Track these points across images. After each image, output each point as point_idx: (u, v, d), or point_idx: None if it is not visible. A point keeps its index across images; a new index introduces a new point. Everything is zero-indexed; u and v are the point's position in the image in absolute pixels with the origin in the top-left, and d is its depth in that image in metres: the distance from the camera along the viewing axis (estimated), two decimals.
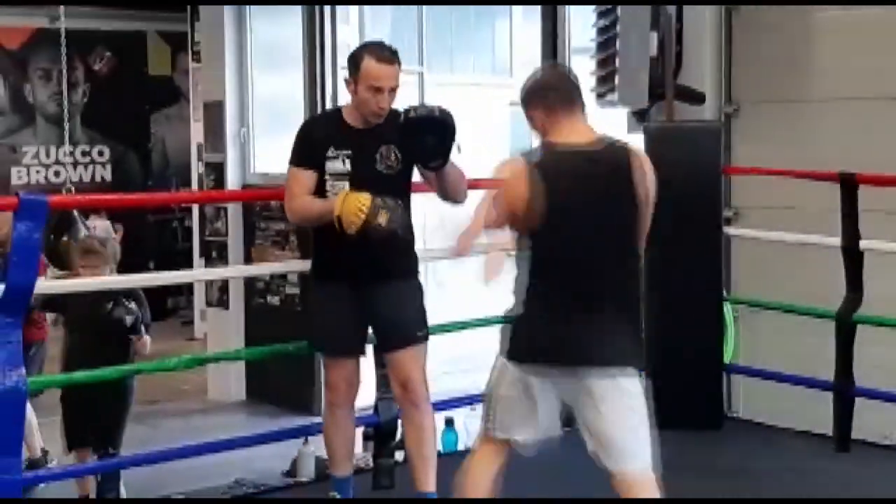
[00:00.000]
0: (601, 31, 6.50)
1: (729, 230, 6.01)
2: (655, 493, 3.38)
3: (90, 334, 5.75)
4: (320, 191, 4.08)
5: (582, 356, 3.32)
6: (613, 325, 3.34)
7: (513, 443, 3.51)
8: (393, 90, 4.03)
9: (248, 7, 9.56)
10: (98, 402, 5.67)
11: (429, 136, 3.89)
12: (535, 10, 7.86)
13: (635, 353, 3.39)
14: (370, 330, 4.30)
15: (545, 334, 3.37)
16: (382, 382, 4.76)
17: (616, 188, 3.36)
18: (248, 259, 9.45)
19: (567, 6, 7.48)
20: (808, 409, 5.39)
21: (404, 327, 4.09)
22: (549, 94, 3.45)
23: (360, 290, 4.11)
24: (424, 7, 10.54)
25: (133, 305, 5.74)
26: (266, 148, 9.63)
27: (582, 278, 3.35)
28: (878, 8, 5.83)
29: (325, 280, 4.21)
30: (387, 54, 4.04)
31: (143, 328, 5.82)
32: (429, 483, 4.17)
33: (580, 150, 3.39)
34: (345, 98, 9.20)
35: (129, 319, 5.70)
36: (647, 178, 3.38)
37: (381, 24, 10.59)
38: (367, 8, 10.13)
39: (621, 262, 3.38)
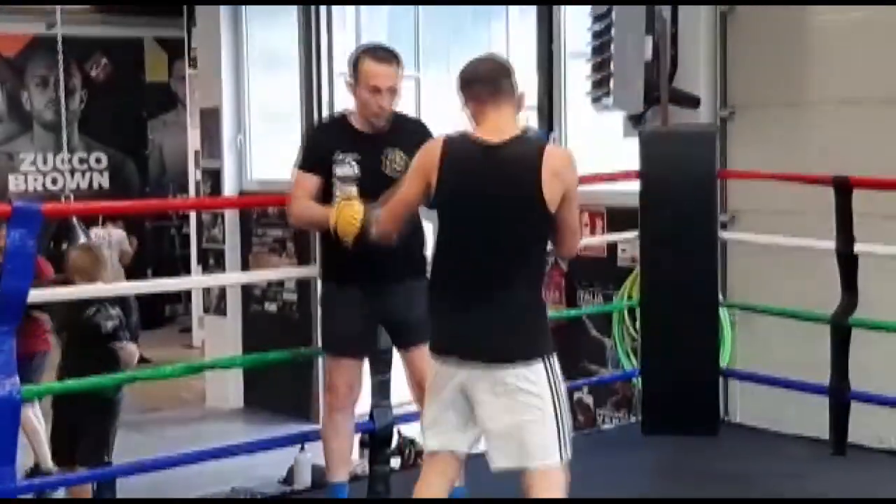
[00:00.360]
0: (596, 35, 6.50)
1: (725, 234, 6.00)
2: (557, 493, 3.31)
3: (73, 340, 5.74)
4: (327, 194, 4.08)
5: (470, 351, 3.32)
6: (500, 321, 3.32)
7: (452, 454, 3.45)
8: (392, 90, 4.02)
9: (244, 13, 9.57)
10: (81, 416, 5.62)
11: None
12: (532, 14, 7.87)
13: (521, 348, 3.32)
14: (385, 332, 4.33)
15: (438, 327, 3.43)
16: (378, 390, 4.75)
17: (513, 187, 3.30)
18: (245, 266, 9.45)
19: (563, 10, 7.49)
20: (805, 413, 5.38)
21: (416, 325, 3.97)
22: (475, 86, 3.43)
23: (372, 290, 4.11)
24: (421, 10, 10.54)
25: (115, 311, 5.66)
26: (263, 154, 9.63)
27: (469, 272, 3.35)
28: (874, 10, 5.82)
29: (334, 281, 4.22)
30: (383, 54, 4.05)
31: (125, 335, 5.73)
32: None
33: (486, 145, 3.35)
34: (342, 104, 9.22)
35: (108, 325, 5.63)
36: (559, 178, 3.29)
37: (377, 29, 10.58)
38: (363, 12, 10.12)
39: (511, 259, 3.33)
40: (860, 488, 4.58)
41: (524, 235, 3.33)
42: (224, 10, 9.54)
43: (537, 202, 3.27)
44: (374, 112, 4.03)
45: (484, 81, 3.41)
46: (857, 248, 4.92)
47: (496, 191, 3.31)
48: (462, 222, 3.36)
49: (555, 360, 3.37)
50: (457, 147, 3.38)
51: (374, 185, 3.96)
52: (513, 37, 12.81)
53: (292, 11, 9.04)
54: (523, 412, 3.27)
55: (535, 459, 3.29)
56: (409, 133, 4.03)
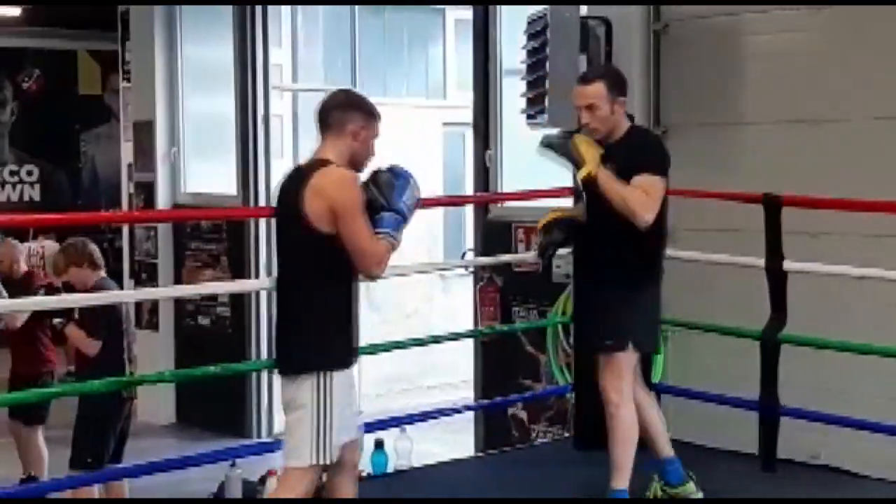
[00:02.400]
0: (531, 52, 6.53)
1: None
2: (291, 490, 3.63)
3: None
4: None
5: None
6: (288, 335, 3.69)
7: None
8: (586, 107, 4.29)
9: (179, 27, 9.52)
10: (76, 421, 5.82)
11: None
12: (468, 33, 7.91)
13: (301, 360, 3.61)
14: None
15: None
16: None
17: (290, 206, 3.61)
18: (178, 280, 9.36)
19: (498, 28, 7.53)
20: (736, 428, 5.43)
21: (594, 334, 4.35)
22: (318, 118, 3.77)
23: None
24: (357, 30, 10.55)
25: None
26: (197, 168, 9.57)
27: (279, 288, 3.73)
28: (807, 33, 5.93)
29: (651, 283, 4.41)
30: (583, 75, 4.60)
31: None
32: (616, 481, 4.31)
33: (294, 168, 3.79)
34: (277, 118, 9.16)
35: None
36: (322, 195, 3.52)
37: (313, 47, 10.58)
38: (299, 30, 10.11)
39: (294, 277, 3.66)
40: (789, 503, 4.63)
41: (301, 250, 3.63)
42: (158, 24, 9.47)
43: (303, 220, 3.54)
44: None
45: (319, 113, 3.77)
46: (787, 265, 4.99)
47: (283, 209, 3.72)
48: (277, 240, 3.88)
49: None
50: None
51: None
52: (449, 57, 12.92)
53: (228, 25, 9.00)
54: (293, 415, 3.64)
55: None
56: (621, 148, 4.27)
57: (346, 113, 3.68)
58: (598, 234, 4.34)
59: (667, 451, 4.55)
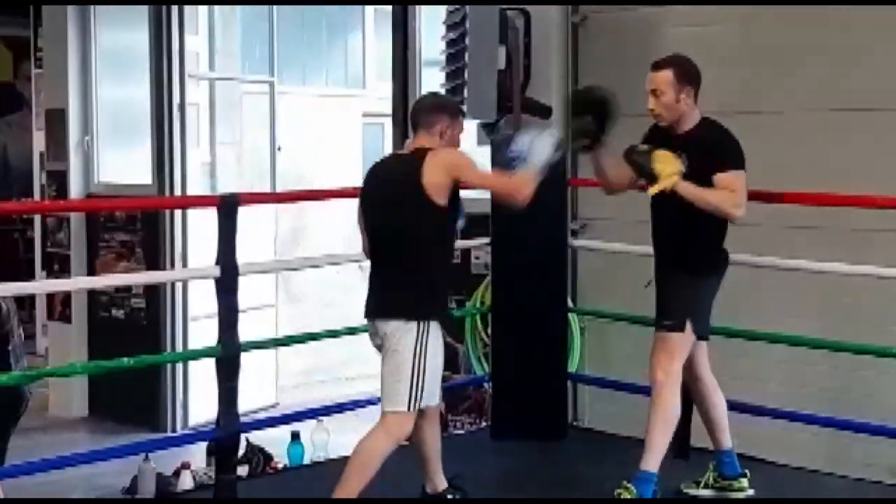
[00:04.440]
0: (450, 43, 6.53)
1: (575, 242, 6.09)
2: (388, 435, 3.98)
3: None
4: None
5: (369, 310, 4.12)
6: (388, 289, 4.08)
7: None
8: (653, 92, 4.40)
9: (92, 13, 9.35)
10: None
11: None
12: (388, 23, 7.88)
13: (402, 308, 4.00)
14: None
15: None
16: (225, 397, 4.66)
17: (400, 184, 4.03)
18: (91, 271, 9.22)
19: (418, 19, 7.52)
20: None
21: (658, 313, 4.38)
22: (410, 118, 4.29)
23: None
24: (276, 19, 10.47)
25: None
26: (110, 157, 9.42)
27: (374, 254, 4.15)
28: (728, 25, 6.00)
29: (715, 272, 4.39)
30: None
31: None
32: (646, 462, 4.27)
33: (389, 158, 4.35)
34: (193, 107, 9.03)
35: None
36: (444, 168, 3.98)
37: (231, 35, 10.48)
38: (216, 17, 10.00)
39: (400, 242, 4.04)
40: None
41: (411, 223, 4.04)
42: (71, 10, 9.29)
43: (420, 197, 3.98)
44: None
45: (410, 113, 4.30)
46: None
47: (389, 192, 4.16)
48: (370, 218, 4.25)
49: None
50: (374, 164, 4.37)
51: None
52: (369, 47, 12.88)
53: (143, 12, 8.86)
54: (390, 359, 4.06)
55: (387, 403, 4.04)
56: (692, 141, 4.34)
57: (433, 115, 4.15)
58: (666, 221, 4.39)
59: (725, 442, 4.54)
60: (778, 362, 5.60)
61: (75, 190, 9.34)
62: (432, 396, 4.02)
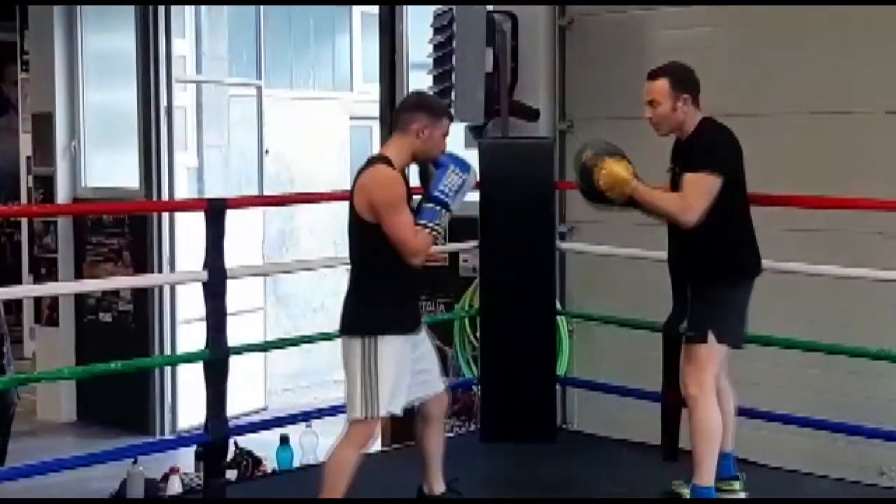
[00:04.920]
0: (437, 47, 6.53)
1: (563, 245, 6.10)
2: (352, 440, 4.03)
3: None
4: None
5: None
6: (346, 304, 4.10)
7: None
8: (649, 102, 4.34)
9: (79, 17, 9.33)
10: None
11: None
12: (375, 26, 7.88)
13: (345, 324, 4.06)
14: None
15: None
16: (213, 401, 4.65)
17: (350, 200, 4.01)
18: (79, 275, 9.20)
19: (405, 21, 7.52)
20: (639, 419, 5.49)
21: (688, 325, 4.34)
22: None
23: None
24: (263, 22, 10.45)
25: None
26: (98, 161, 9.41)
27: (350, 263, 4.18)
28: (711, 27, 6.01)
29: (740, 281, 4.32)
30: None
31: None
32: (699, 478, 4.25)
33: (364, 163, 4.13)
34: (180, 110, 9.02)
35: None
36: (364, 192, 3.94)
37: (218, 38, 10.45)
38: (203, 20, 9.98)
39: (354, 256, 4.09)
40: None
41: (357, 234, 4.03)
42: (58, 13, 9.27)
43: (354, 211, 3.98)
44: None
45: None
46: None
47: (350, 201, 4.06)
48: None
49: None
50: None
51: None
52: (356, 49, 12.87)
53: (130, 15, 8.85)
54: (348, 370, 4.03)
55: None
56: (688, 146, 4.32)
57: (411, 113, 4.05)
58: (679, 232, 4.34)
59: (725, 444, 4.47)
60: (765, 364, 5.60)
61: (62, 194, 9.33)
62: (392, 404, 4.00)
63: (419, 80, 7.17)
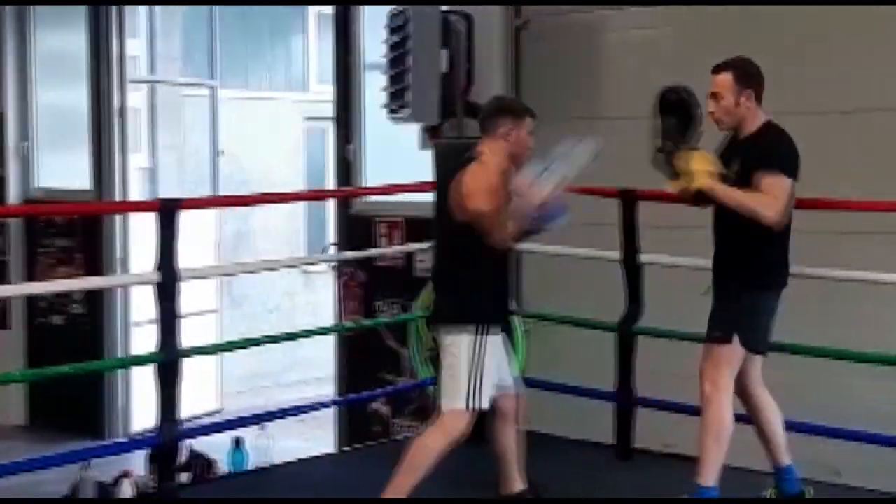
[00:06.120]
0: (393, 47, 6.52)
1: (518, 245, 6.09)
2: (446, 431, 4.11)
3: None
4: None
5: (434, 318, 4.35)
6: (443, 298, 4.26)
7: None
8: (712, 95, 4.24)
9: (31, 17, 9.24)
10: None
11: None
12: (330, 26, 7.86)
13: (454, 317, 4.15)
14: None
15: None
16: (165, 404, 4.61)
17: (450, 193, 4.12)
18: (30, 277, 9.10)
19: (361, 22, 7.50)
20: (593, 419, 5.50)
21: (709, 324, 4.28)
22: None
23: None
24: (217, 22, 10.40)
25: None
26: (49, 162, 9.31)
27: (435, 263, 4.41)
28: (663, 29, 6.04)
29: (768, 290, 4.26)
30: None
31: None
32: (701, 477, 4.19)
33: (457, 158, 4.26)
34: (133, 111, 8.94)
35: None
36: (463, 187, 4.06)
37: (171, 38, 10.39)
38: (157, 20, 9.91)
39: (448, 251, 4.24)
40: (641, 491, 4.71)
41: (455, 230, 4.14)
42: (9, 13, 9.18)
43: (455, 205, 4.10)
44: None
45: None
46: (642, 258, 5.08)
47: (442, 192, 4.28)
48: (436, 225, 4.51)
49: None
50: None
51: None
52: (311, 50, 12.82)
53: (82, 14, 8.76)
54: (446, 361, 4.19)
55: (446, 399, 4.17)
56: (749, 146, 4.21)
57: (495, 118, 4.19)
58: (721, 231, 4.30)
59: (781, 458, 4.42)
60: None
61: (13, 195, 9.25)
62: (487, 399, 4.11)
63: (374, 81, 7.15)
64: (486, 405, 4.11)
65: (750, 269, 4.23)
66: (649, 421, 5.26)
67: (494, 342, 4.12)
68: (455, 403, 4.06)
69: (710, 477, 4.19)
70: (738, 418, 4.38)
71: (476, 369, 4.04)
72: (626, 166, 5.90)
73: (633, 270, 5.13)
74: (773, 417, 4.41)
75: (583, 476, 5.00)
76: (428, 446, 4.09)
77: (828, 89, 5.63)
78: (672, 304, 5.42)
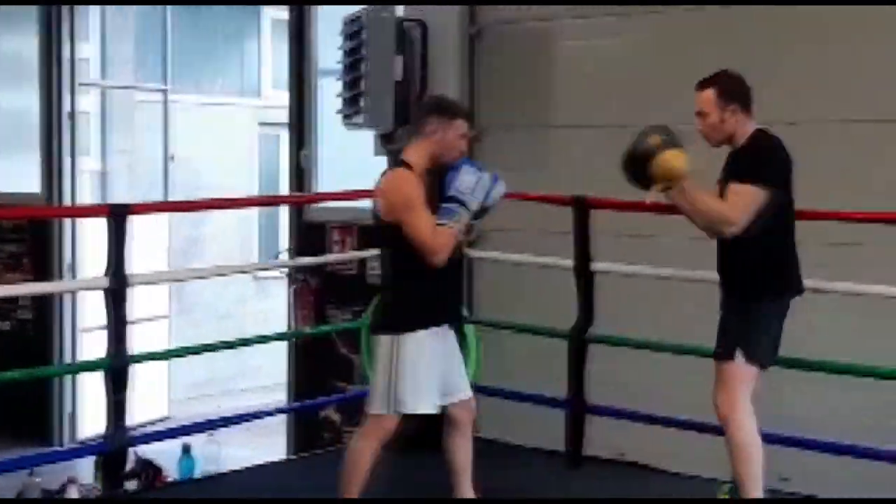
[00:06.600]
0: (347, 53, 6.51)
1: (471, 252, 6.09)
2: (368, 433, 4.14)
3: None
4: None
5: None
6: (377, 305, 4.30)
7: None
8: (698, 113, 4.18)
9: None
10: None
11: None
12: (285, 31, 7.83)
13: (376, 321, 4.23)
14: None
15: None
16: (113, 410, 4.56)
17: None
18: None
19: (315, 27, 7.48)
20: (545, 426, 5.50)
21: (717, 342, 4.15)
22: None
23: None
24: (170, 26, 10.33)
25: None
26: None
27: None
28: (616, 39, 6.07)
29: (778, 295, 4.15)
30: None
31: None
32: (746, 493, 4.08)
33: None
34: (84, 115, 8.86)
35: None
36: (383, 196, 4.00)
37: (124, 42, 10.31)
38: (109, 23, 9.83)
39: (383, 259, 4.21)
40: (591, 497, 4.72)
41: (385, 241, 4.13)
42: None
43: (378, 216, 4.05)
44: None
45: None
46: (594, 265, 5.09)
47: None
48: None
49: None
50: None
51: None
52: (265, 55, 12.78)
53: (32, 17, 8.67)
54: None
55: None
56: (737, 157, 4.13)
57: (425, 116, 4.09)
58: (721, 244, 4.17)
59: None
60: (670, 372, 5.65)
61: None
62: (417, 403, 4.07)
63: (329, 87, 7.13)
64: (411, 409, 4.07)
65: (751, 282, 4.12)
66: (602, 429, 5.26)
67: (420, 345, 4.03)
68: (372, 407, 4.10)
69: (755, 492, 4.07)
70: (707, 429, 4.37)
71: (393, 372, 4.02)
72: (580, 174, 5.95)
73: (585, 278, 5.13)
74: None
75: (533, 484, 4.99)
76: (357, 450, 4.12)
77: (775, 100, 5.67)
78: (627, 312, 5.45)
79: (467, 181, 4.01)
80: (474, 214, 4.06)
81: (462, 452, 4.31)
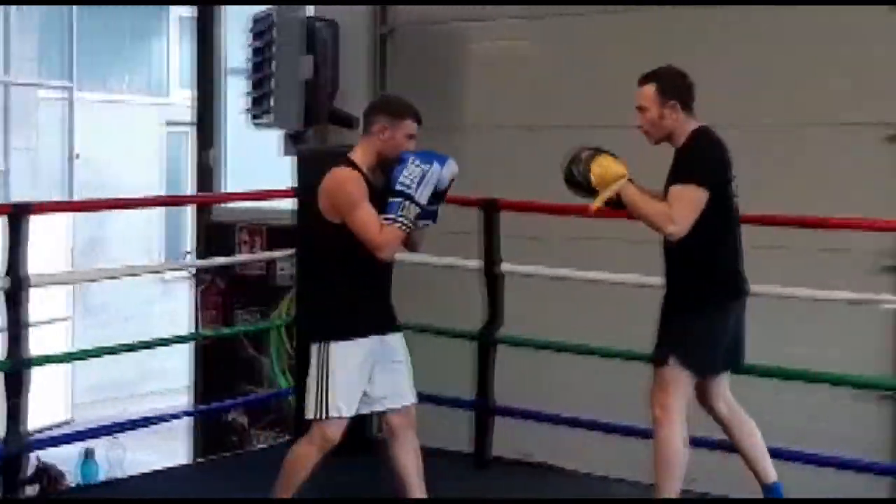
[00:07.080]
0: (256, 52, 6.44)
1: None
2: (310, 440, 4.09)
3: None
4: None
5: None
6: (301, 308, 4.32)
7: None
8: (638, 108, 4.08)
9: None
10: None
11: None
12: (192, 30, 7.73)
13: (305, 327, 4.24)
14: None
15: None
16: (11, 414, 4.45)
17: (311, 200, 4.06)
18: None
19: (223, 25, 7.40)
20: (452, 427, 5.49)
21: (655, 345, 4.12)
22: None
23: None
24: (75, 23, 10.16)
25: None
26: None
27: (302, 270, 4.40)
28: (526, 42, 6.11)
29: (716, 303, 4.07)
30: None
31: None
32: (658, 490, 4.07)
33: None
34: None
35: None
36: (325, 194, 3.97)
37: (27, 38, 10.11)
38: (12, 20, 9.64)
39: (313, 261, 4.15)
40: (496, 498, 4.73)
41: (314, 242, 4.08)
42: None
43: (317, 215, 4.00)
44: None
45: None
46: (502, 267, 5.11)
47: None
48: None
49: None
50: None
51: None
52: (172, 53, 12.62)
53: None
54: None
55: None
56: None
57: (373, 115, 4.05)
58: (666, 250, 4.08)
59: (763, 475, 4.24)
60: (579, 373, 5.68)
61: None
62: (347, 407, 4.06)
63: (237, 86, 7.06)
64: (345, 413, 4.04)
65: (685, 289, 4.08)
66: (508, 430, 5.27)
67: (348, 351, 4.02)
68: (308, 413, 4.06)
69: (663, 492, 4.06)
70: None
71: (322, 379, 4.00)
72: (489, 175, 5.96)
73: (492, 280, 5.14)
74: (740, 434, 4.25)
75: (438, 485, 4.97)
76: (295, 455, 4.08)
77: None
78: (534, 313, 5.47)
79: (413, 173, 3.95)
80: (430, 200, 3.97)
81: (406, 457, 4.25)
